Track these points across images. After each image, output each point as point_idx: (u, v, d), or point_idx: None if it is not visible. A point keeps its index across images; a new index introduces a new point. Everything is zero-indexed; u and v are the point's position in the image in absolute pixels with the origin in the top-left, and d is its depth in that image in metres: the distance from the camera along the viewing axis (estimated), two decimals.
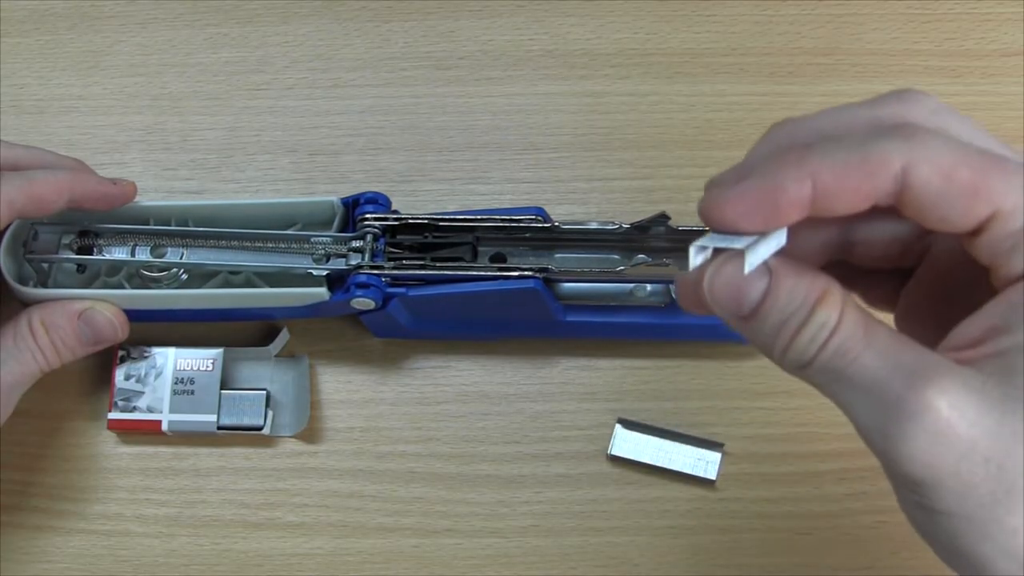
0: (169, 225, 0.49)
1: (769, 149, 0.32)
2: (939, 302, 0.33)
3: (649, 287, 0.49)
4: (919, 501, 0.29)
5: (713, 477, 0.48)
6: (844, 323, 0.30)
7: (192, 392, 0.49)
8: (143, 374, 0.49)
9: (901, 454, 0.28)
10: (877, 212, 0.31)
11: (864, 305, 0.33)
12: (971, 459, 0.28)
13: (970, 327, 0.30)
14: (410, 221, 0.47)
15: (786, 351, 0.31)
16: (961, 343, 0.30)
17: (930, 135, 0.30)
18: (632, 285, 0.49)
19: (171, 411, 0.49)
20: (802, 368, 0.31)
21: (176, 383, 0.49)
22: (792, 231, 0.32)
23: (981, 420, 0.28)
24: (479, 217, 0.47)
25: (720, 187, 0.31)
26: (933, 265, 0.34)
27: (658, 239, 0.47)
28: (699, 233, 0.47)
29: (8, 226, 0.47)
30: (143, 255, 0.48)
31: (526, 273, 0.46)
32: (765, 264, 0.31)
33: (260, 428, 0.49)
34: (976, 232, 0.30)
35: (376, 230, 0.47)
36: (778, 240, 0.31)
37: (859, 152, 0.30)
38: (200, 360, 0.49)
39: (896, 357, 0.29)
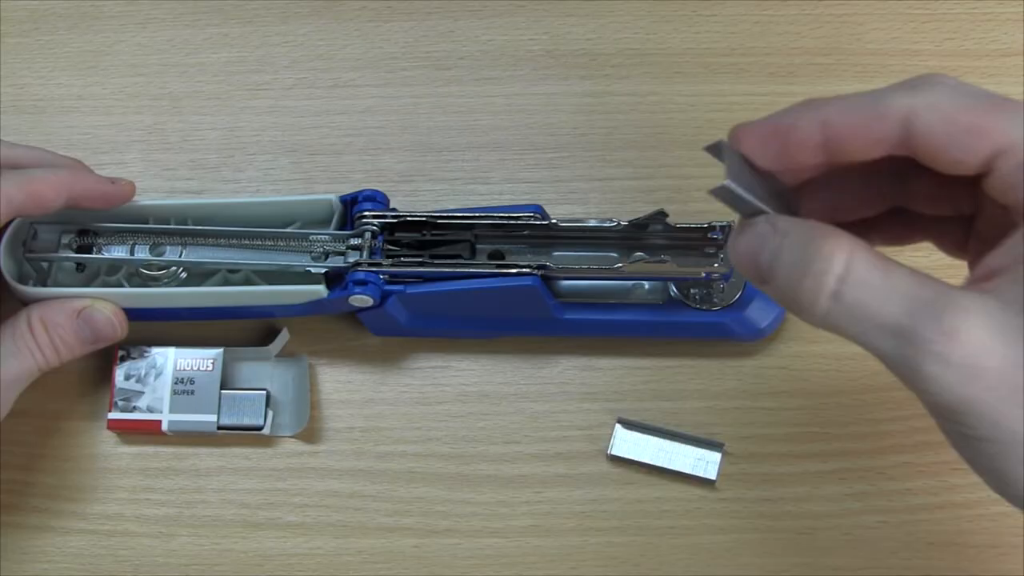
0: (168, 224, 0.49)
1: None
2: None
3: (647, 284, 0.49)
4: (958, 429, 0.31)
5: (713, 477, 0.48)
6: (856, 268, 0.31)
7: (192, 392, 0.49)
8: (143, 374, 0.49)
9: (932, 387, 0.30)
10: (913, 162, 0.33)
11: (944, 253, 0.36)
12: (999, 388, 0.29)
13: (993, 259, 0.32)
14: (408, 219, 0.47)
15: (805, 304, 0.32)
16: (984, 274, 0.32)
17: (934, 84, 0.32)
18: (630, 282, 0.49)
19: (171, 411, 0.49)
20: (826, 317, 0.32)
21: (176, 383, 0.49)
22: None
23: (1005, 349, 0.29)
24: (477, 215, 0.47)
25: (743, 124, 0.35)
26: (984, 210, 0.35)
27: (656, 237, 0.47)
28: (697, 230, 0.47)
29: (8, 225, 0.47)
30: (142, 254, 0.48)
31: (524, 270, 0.46)
32: (774, 225, 0.33)
33: (260, 428, 0.49)
34: (986, 172, 0.31)
35: (374, 228, 0.47)
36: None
37: (868, 100, 0.33)
38: (200, 360, 0.49)
39: (916, 294, 0.31)
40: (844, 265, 0.32)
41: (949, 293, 0.31)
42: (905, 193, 0.37)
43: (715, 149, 0.35)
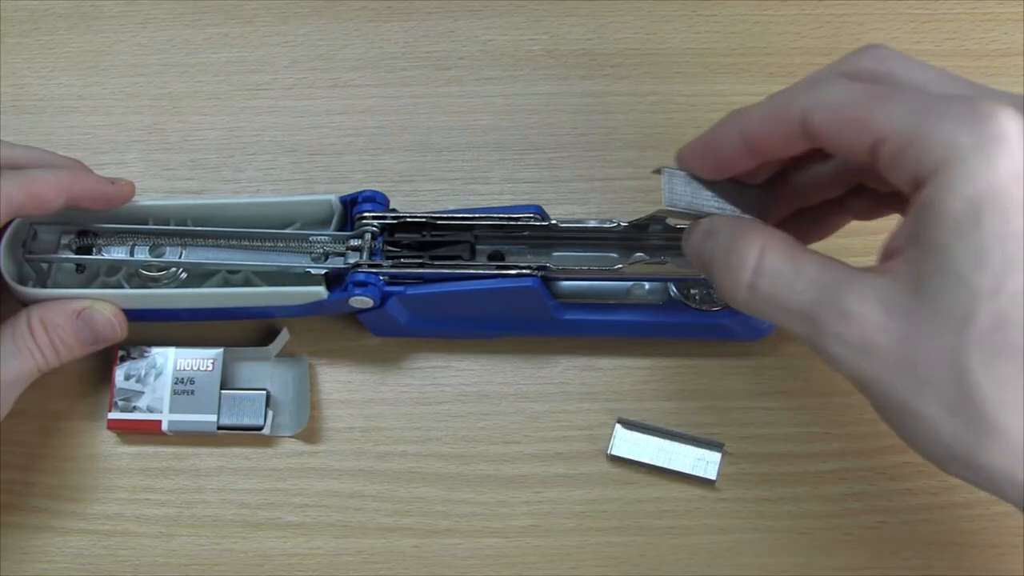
0: (168, 225, 0.49)
1: None
2: None
3: (647, 285, 0.49)
4: (869, 400, 0.34)
5: (713, 477, 0.48)
6: (767, 260, 0.36)
7: (192, 392, 0.49)
8: (143, 374, 0.49)
9: (837, 365, 0.34)
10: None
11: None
12: (889, 363, 0.33)
13: (891, 240, 0.35)
14: (408, 220, 0.47)
15: (730, 295, 0.37)
16: (885, 254, 0.35)
17: (829, 82, 0.36)
18: (630, 283, 0.49)
19: (171, 411, 0.49)
20: (747, 306, 0.37)
21: (176, 383, 0.49)
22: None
23: (894, 326, 0.33)
24: (477, 215, 0.47)
25: (684, 146, 0.40)
26: None
27: (656, 237, 0.47)
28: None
29: (7, 225, 0.47)
30: (142, 255, 0.48)
31: (524, 271, 0.46)
32: (710, 226, 0.39)
33: (260, 428, 0.49)
34: (874, 159, 0.34)
35: (374, 228, 0.47)
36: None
37: (773, 104, 0.37)
38: (200, 360, 0.49)
39: (821, 279, 0.35)
40: (757, 259, 0.36)
41: (849, 276, 0.34)
42: (858, 173, 0.41)
43: (661, 173, 0.40)
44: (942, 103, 0.33)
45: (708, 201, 0.40)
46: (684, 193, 0.40)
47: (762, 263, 0.36)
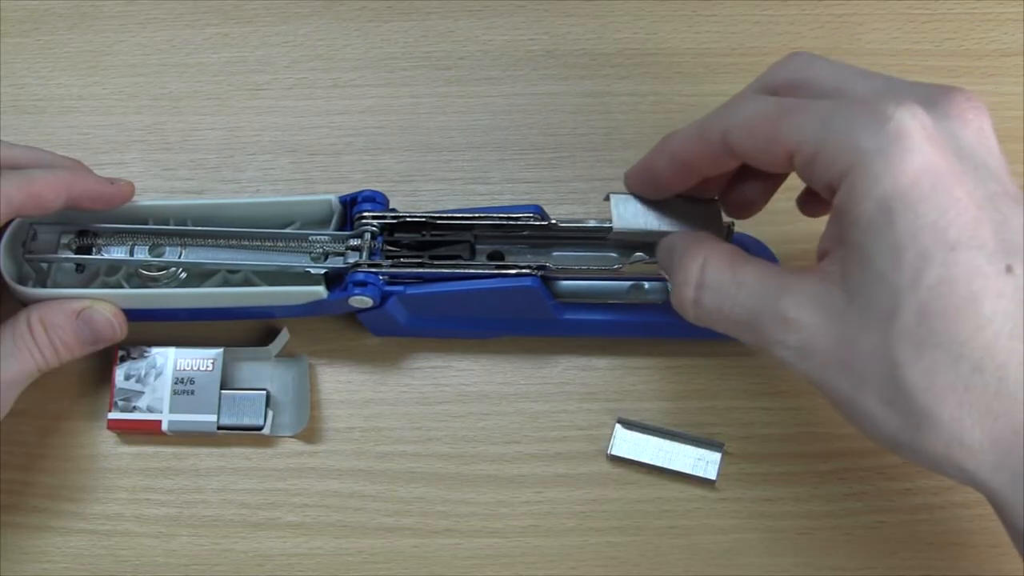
0: (168, 224, 0.49)
1: None
2: None
3: (647, 285, 0.49)
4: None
5: (713, 477, 0.48)
6: (708, 275, 0.38)
7: (192, 392, 0.49)
8: (143, 374, 0.49)
9: (788, 368, 0.36)
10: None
11: None
12: (828, 362, 0.35)
13: (822, 240, 0.36)
14: (408, 219, 0.47)
15: (682, 311, 0.39)
16: (820, 254, 0.36)
17: (746, 100, 0.38)
18: (630, 283, 0.49)
19: (171, 411, 0.49)
20: (697, 321, 0.39)
21: (176, 383, 0.49)
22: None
23: (828, 325, 0.34)
24: (477, 215, 0.47)
25: (628, 171, 0.44)
26: None
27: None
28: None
29: (7, 225, 0.47)
30: (141, 254, 0.48)
31: (524, 271, 0.46)
32: (667, 245, 0.42)
33: (260, 428, 0.49)
34: (790, 170, 0.37)
35: (374, 228, 0.47)
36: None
37: (696, 128, 0.39)
38: (200, 360, 0.49)
39: (760, 288, 0.36)
40: (699, 274, 0.38)
41: (786, 283, 0.36)
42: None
43: (609, 199, 0.44)
44: (846, 110, 0.34)
45: (654, 221, 0.44)
46: (633, 215, 0.45)
47: (703, 277, 0.38)
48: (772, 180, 0.44)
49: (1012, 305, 0.32)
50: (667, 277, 0.43)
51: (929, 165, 0.33)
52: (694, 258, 0.39)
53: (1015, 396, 0.32)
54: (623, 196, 0.45)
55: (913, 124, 0.33)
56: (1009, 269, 0.33)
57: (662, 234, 0.45)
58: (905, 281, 0.33)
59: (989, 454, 0.33)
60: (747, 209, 0.45)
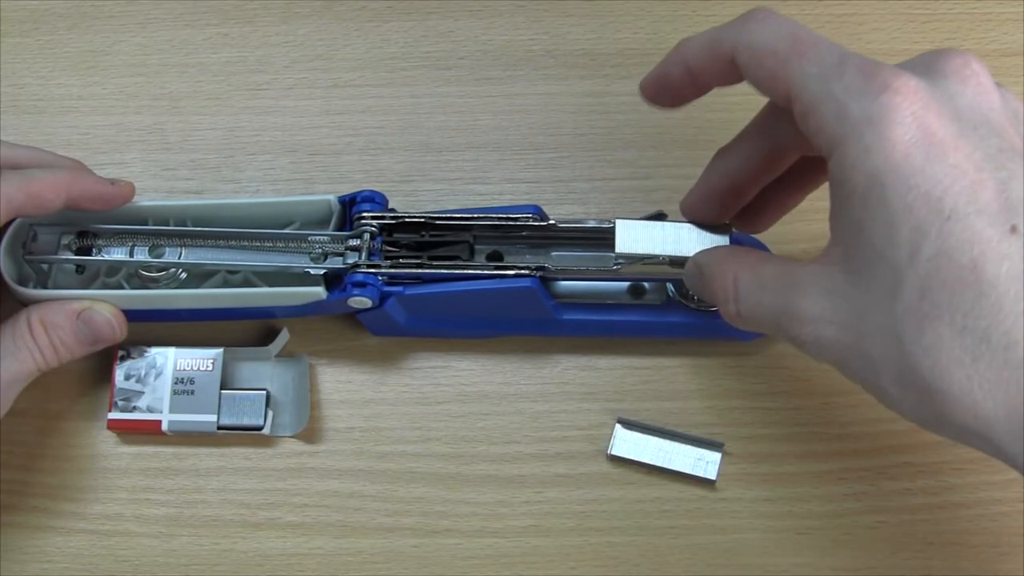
0: (167, 225, 0.49)
1: None
2: None
3: (646, 285, 0.49)
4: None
5: (713, 477, 0.48)
6: (740, 288, 0.38)
7: (192, 392, 0.49)
8: (143, 374, 0.49)
9: (807, 354, 0.36)
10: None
11: None
12: (842, 350, 0.35)
13: (830, 216, 0.36)
14: (407, 220, 0.47)
15: (728, 320, 0.39)
16: (830, 241, 0.36)
17: (760, 21, 0.37)
18: (629, 283, 0.49)
19: (171, 411, 0.49)
20: (747, 328, 0.39)
21: (176, 383, 0.49)
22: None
23: (838, 314, 0.34)
24: (476, 216, 0.47)
25: (642, 81, 0.42)
26: None
27: None
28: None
29: (7, 226, 0.47)
30: (141, 255, 0.48)
31: (523, 272, 0.46)
32: (697, 266, 0.42)
33: (260, 428, 0.49)
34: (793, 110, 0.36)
35: (373, 229, 0.47)
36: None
37: (708, 38, 0.38)
38: (200, 360, 0.49)
39: (778, 287, 0.37)
40: (733, 289, 0.39)
41: (798, 278, 0.36)
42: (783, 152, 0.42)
43: (614, 223, 0.45)
44: (847, 71, 0.34)
45: (658, 246, 0.45)
46: (635, 240, 0.45)
47: (737, 290, 0.38)
48: (795, 193, 0.45)
49: (1017, 266, 0.31)
50: (702, 295, 0.45)
51: (922, 134, 0.33)
52: (726, 274, 0.39)
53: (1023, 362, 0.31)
54: (628, 222, 0.45)
55: (907, 93, 0.33)
56: (1014, 229, 0.32)
57: (666, 258, 0.45)
58: (903, 257, 0.32)
59: (1004, 423, 0.32)
60: (762, 220, 0.45)
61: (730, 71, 0.38)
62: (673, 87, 0.41)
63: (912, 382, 0.33)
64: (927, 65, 0.35)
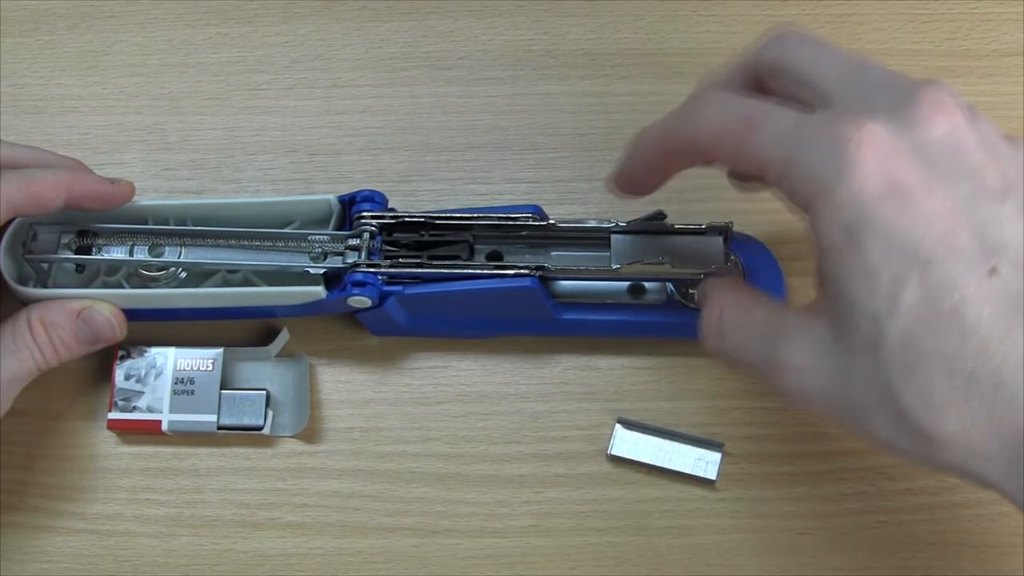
0: (167, 224, 0.49)
1: None
2: None
3: (646, 285, 0.49)
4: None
5: (713, 477, 0.48)
6: (727, 317, 0.38)
7: (192, 392, 0.49)
8: (143, 374, 0.49)
9: (788, 402, 0.36)
10: None
11: None
12: (826, 402, 0.35)
13: (816, 279, 0.36)
14: (407, 219, 0.47)
15: (710, 353, 0.40)
16: (817, 291, 0.36)
17: (708, 103, 0.37)
18: (628, 283, 0.49)
19: (171, 411, 0.49)
20: (722, 356, 0.39)
21: (176, 383, 0.49)
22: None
23: (823, 366, 0.34)
24: (475, 215, 0.47)
25: (610, 179, 0.43)
26: None
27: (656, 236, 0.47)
28: (696, 231, 0.47)
29: (7, 225, 0.47)
30: (141, 254, 0.48)
31: (522, 271, 0.46)
32: (702, 288, 0.42)
33: (260, 428, 0.49)
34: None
35: (373, 228, 0.47)
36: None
37: (667, 130, 0.39)
38: (200, 360, 0.49)
39: (765, 331, 0.37)
40: (717, 324, 0.39)
41: (783, 323, 0.36)
42: None
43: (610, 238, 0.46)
44: (806, 132, 0.34)
45: (654, 257, 0.45)
46: (632, 252, 0.46)
47: (723, 327, 0.39)
48: None
49: (999, 307, 0.32)
50: None
51: (892, 184, 0.32)
52: (713, 307, 0.39)
53: (1014, 399, 0.31)
54: (622, 237, 0.46)
55: (871, 144, 0.33)
56: (993, 271, 0.32)
57: (663, 270, 0.46)
58: (883, 307, 0.32)
59: (999, 459, 0.32)
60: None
61: (696, 156, 0.38)
62: (639, 182, 0.42)
63: (906, 427, 0.33)
64: (897, 106, 0.34)
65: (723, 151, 0.36)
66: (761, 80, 0.40)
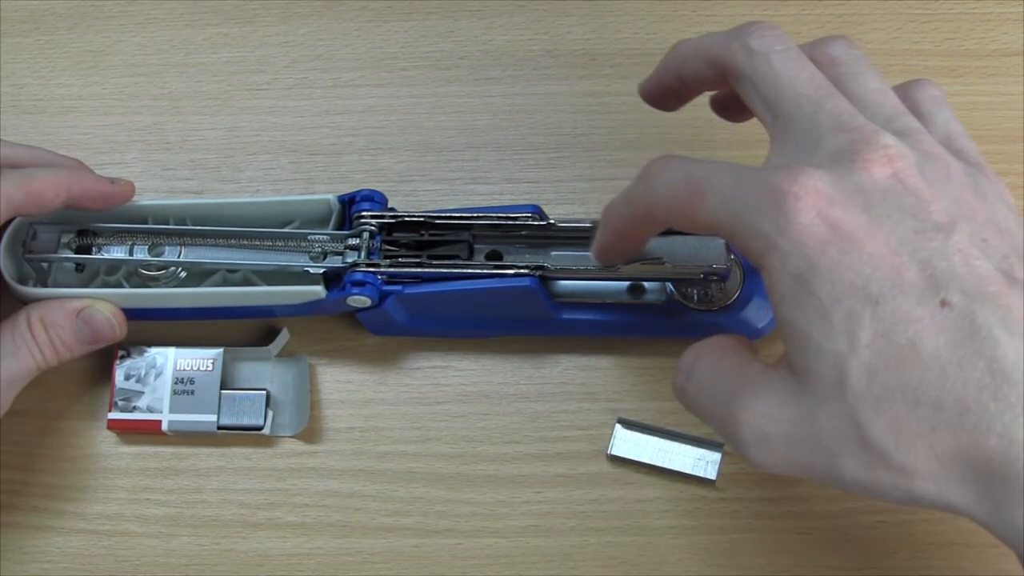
0: (167, 224, 0.49)
1: None
2: None
3: (646, 285, 0.49)
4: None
5: (713, 477, 0.48)
6: (697, 368, 0.38)
7: (192, 392, 0.49)
8: (143, 374, 0.49)
9: (745, 457, 0.36)
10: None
11: None
12: (787, 448, 0.34)
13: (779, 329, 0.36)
14: (406, 219, 0.47)
15: (674, 384, 0.40)
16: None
17: (659, 171, 0.37)
18: (628, 283, 0.49)
19: (171, 411, 0.49)
20: (689, 409, 0.39)
21: (176, 383, 0.49)
22: None
23: (784, 413, 0.34)
24: (475, 215, 0.47)
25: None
26: None
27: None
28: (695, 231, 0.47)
29: (7, 225, 0.47)
30: (141, 254, 0.48)
31: (522, 271, 0.46)
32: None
33: (260, 428, 0.49)
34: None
35: (372, 228, 0.47)
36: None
37: (625, 204, 0.39)
38: (200, 360, 0.49)
39: (732, 379, 0.37)
40: (689, 365, 0.39)
41: (749, 374, 0.36)
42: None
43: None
44: (745, 191, 0.35)
45: (654, 258, 0.45)
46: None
47: (693, 370, 0.39)
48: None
49: (955, 336, 0.32)
50: None
51: (832, 230, 0.33)
52: (692, 348, 0.39)
53: (978, 425, 0.31)
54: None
55: (807, 195, 0.33)
56: (944, 303, 0.32)
57: (663, 270, 0.46)
58: (843, 345, 0.33)
59: (970, 486, 0.32)
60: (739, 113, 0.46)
61: (656, 224, 0.39)
62: (619, 251, 0.42)
63: (878, 463, 0.33)
64: (840, 151, 0.35)
65: (676, 219, 0.37)
66: (726, 74, 0.40)
